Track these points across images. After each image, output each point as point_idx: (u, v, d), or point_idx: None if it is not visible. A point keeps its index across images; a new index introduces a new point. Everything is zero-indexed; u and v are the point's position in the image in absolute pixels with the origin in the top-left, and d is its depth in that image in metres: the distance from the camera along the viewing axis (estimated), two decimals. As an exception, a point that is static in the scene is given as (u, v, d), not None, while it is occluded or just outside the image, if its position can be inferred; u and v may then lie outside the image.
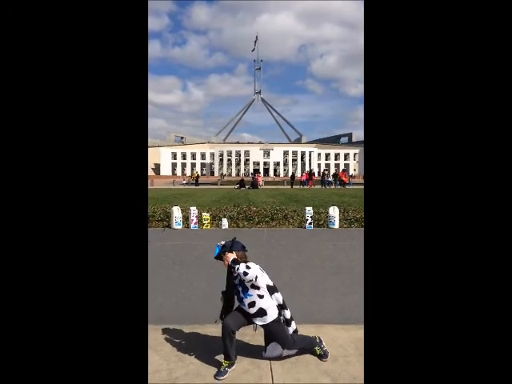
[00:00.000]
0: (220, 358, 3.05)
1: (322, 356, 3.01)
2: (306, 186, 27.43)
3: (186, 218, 3.96)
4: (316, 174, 31.05)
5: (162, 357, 3.07)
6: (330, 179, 29.45)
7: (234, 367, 2.87)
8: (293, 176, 31.85)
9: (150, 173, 75.52)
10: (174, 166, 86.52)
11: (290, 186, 27.30)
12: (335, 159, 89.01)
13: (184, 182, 39.46)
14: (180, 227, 3.85)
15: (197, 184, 32.17)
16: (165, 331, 3.53)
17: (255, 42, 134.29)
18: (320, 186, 27.11)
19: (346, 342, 3.33)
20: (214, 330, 3.60)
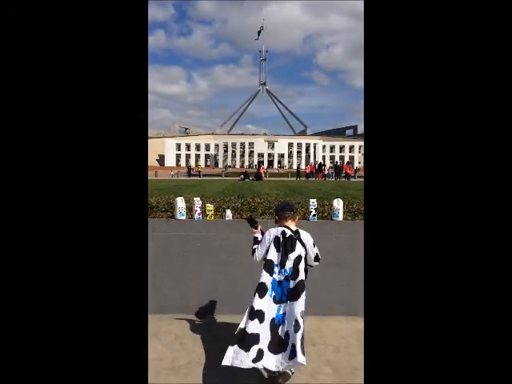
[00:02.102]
0: (222, 347, 3.07)
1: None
2: (311, 179, 27.36)
3: (189, 209, 3.97)
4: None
5: (165, 345, 3.11)
6: (327, 172, 29.13)
7: None
8: (298, 168, 31.75)
9: (155, 164, 75.63)
10: (178, 157, 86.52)
11: (294, 178, 27.24)
12: (340, 152, 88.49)
13: (172, 173, 36.14)
14: (184, 218, 3.86)
15: (189, 175, 32.22)
16: (168, 320, 3.56)
17: (259, 32, 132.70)
18: (324, 179, 27.03)
19: (347, 333, 3.35)
20: (217, 320, 3.63)
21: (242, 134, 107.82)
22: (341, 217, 3.86)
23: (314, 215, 3.86)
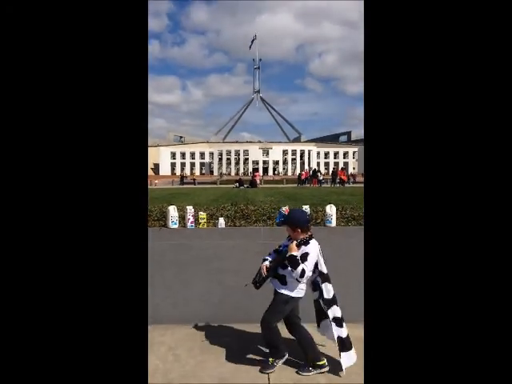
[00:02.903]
0: (216, 358, 3.03)
1: (268, 366, 2.82)
2: (306, 185, 27.43)
3: (182, 218, 3.94)
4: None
5: (158, 357, 3.05)
6: (321, 178, 29.13)
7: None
8: (300, 175, 31.58)
9: (150, 172, 75.47)
10: (173, 165, 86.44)
11: (289, 185, 27.25)
12: (334, 158, 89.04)
13: (156, 181, 35.04)
14: (176, 226, 3.83)
15: (182, 183, 32.51)
16: (161, 331, 3.50)
17: (253, 40, 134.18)
18: (319, 185, 27.08)
19: (343, 340, 3.31)
20: (211, 330, 3.58)
21: (237, 142, 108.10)
22: (334, 223, 3.84)
23: (307, 222, 3.84)
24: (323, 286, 2.75)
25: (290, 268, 2.63)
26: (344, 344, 2.79)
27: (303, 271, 2.56)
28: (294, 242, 2.68)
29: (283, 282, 2.73)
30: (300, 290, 2.75)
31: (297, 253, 2.63)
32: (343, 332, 2.81)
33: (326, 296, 2.77)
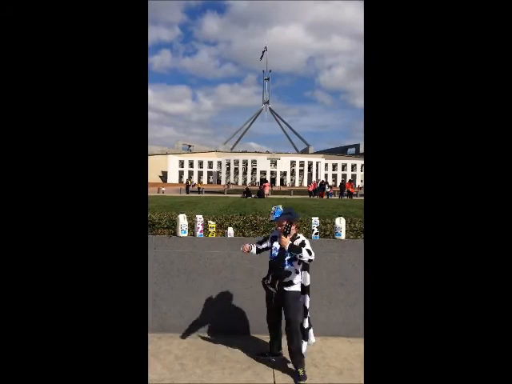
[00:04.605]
0: (222, 368, 3.02)
1: (302, 378, 2.84)
2: (312, 197, 27.36)
3: (191, 226, 3.96)
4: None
5: (164, 366, 3.05)
6: (328, 190, 29.05)
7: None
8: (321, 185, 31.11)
9: (158, 180, 75.91)
10: (181, 173, 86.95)
11: (296, 196, 27.14)
12: (342, 170, 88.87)
13: (163, 189, 34.81)
14: (186, 235, 3.85)
15: (187, 192, 32.31)
16: (168, 340, 3.50)
17: (263, 51, 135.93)
18: (327, 197, 27.00)
19: (351, 355, 3.28)
20: (218, 340, 3.57)
21: (245, 152, 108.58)
22: (343, 235, 3.84)
23: (316, 233, 3.84)
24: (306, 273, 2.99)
25: (298, 255, 2.74)
26: (304, 334, 2.95)
27: (309, 251, 2.74)
28: (282, 236, 2.80)
29: (289, 283, 2.88)
30: (299, 283, 2.92)
31: (290, 242, 2.78)
32: (303, 323, 2.96)
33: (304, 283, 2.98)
